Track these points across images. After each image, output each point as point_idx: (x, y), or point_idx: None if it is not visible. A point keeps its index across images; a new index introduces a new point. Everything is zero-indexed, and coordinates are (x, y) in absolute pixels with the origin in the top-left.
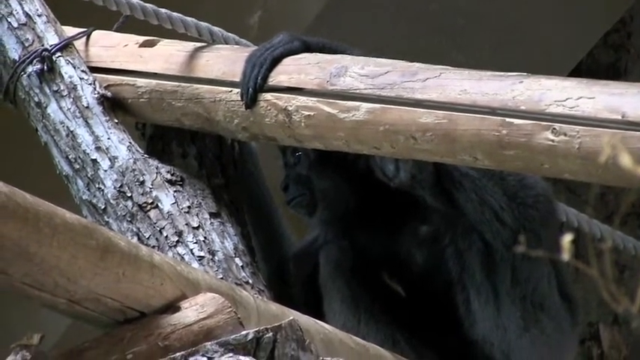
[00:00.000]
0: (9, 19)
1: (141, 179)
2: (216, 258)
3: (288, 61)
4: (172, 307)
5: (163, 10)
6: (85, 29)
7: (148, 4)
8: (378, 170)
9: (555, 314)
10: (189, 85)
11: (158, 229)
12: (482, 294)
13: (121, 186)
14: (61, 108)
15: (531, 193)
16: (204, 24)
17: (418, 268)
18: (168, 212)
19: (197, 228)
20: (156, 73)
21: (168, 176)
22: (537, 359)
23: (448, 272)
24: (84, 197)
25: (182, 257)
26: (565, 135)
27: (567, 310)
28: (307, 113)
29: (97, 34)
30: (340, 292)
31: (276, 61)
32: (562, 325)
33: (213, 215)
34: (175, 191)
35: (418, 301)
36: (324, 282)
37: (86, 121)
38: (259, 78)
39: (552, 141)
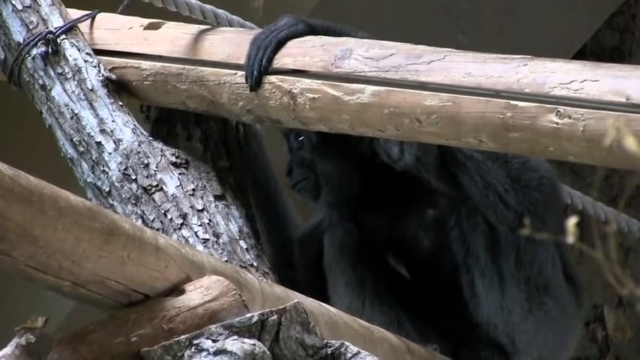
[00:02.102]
0: (13, 2)
1: (145, 162)
2: (220, 240)
3: (292, 44)
4: (177, 289)
5: None
6: (89, 12)
7: None
8: (383, 153)
9: (559, 297)
10: (193, 67)
11: (163, 211)
12: (486, 276)
13: (125, 168)
14: (65, 90)
15: (535, 175)
16: (208, 6)
17: (424, 250)
18: (172, 195)
19: (202, 210)
20: (160, 56)
21: (173, 159)
22: (541, 341)
23: (453, 255)
24: (88, 180)
25: (187, 240)
26: (569, 118)
27: (571, 293)
28: (312, 96)
29: (102, 17)
30: (345, 275)
31: (280, 44)
32: (566, 307)
33: (217, 198)
34: (180, 174)
35: (423, 283)
36: (328, 265)
37: (91, 104)
38: (264, 60)
39: (557, 124)
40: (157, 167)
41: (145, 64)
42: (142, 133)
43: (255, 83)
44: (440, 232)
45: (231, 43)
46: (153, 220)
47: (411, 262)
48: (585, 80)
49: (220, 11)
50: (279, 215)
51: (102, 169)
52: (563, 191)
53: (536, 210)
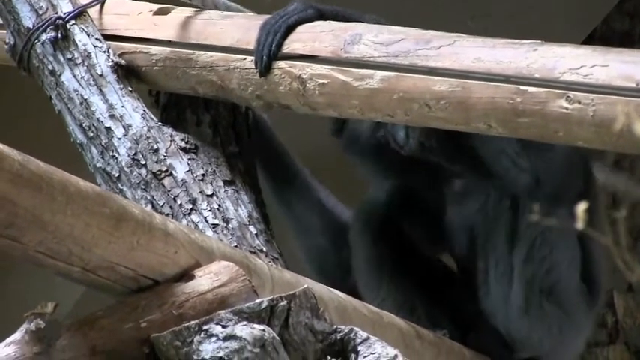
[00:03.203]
0: None
1: (155, 147)
2: (230, 226)
3: (302, 29)
4: (186, 275)
5: None
6: None
7: None
8: (390, 138)
9: (564, 301)
10: (203, 52)
11: (172, 197)
12: (499, 267)
13: (135, 154)
14: (75, 76)
15: None
16: None
17: (451, 230)
18: (182, 180)
19: (211, 196)
20: (170, 41)
21: (183, 144)
22: (536, 342)
23: (473, 241)
24: (98, 165)
25: (196, 225)
26: (579, 103)
27: (584, 294)
28: (321, 81)
29: (111, 2)
30: (366, 251)
31: (290, 29)
32: (570, 313)
33: (227, 183)
34: (189, 159)
35: (442, 265)
36: (353, 238)
37: (100, 89)
38: (273, 46)
39: (566, 109)
40: (166, 152)
41: (155, 49)
42: (151, 118)
43: (265, 68)
44: (466, 211)
45: (240, 28)
46: (162, 206)
47: (433, 244)
48: (595, 65)
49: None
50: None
51: (111, 154)
52: (587, 159)
53: (550, 170)
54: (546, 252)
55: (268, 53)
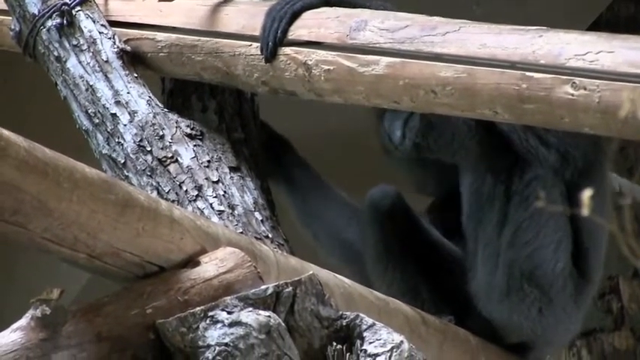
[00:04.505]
0: None
1: (160, 133)
2: (235, 212)
3: (307, 15)
4: (192, 261)
5: None
6: None
7: None
8: (386, 137)
9: (548, 286)
10: (208, 39)
11: (178, 183)
12: (487, 249)
13: (140, 140)
14: (80, 62)
15: None
16: None
17: (456, 212)
18: (187, 166)
19: (217, 182)
20: (175, 27)
21: (188, 130)
22: (516, 326)
23: (470, 220)
24: (103, 151)
25: (202, 211)
26: (585, 89)
27: (574, 279)
28: (327, 67)
29: None
30: (374, 236)
31: (296, 15)
32: (554, 297)
33: (232, 169)
34: (195, 145)
35: (448, 248)
36: (363, 223)
37: (106, 76)
38: (279, 32)
39: (572, 95)
40: (172, 139)
41: (160, 35)
42: (157, 104)
43: (270, 54)
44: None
45: (246, 14)
46: (168, 192)
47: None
48: (600, 52)
49: None
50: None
51: (117, 140)
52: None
53: (578, 146)
54: (531, 236)
55: (274, 39)
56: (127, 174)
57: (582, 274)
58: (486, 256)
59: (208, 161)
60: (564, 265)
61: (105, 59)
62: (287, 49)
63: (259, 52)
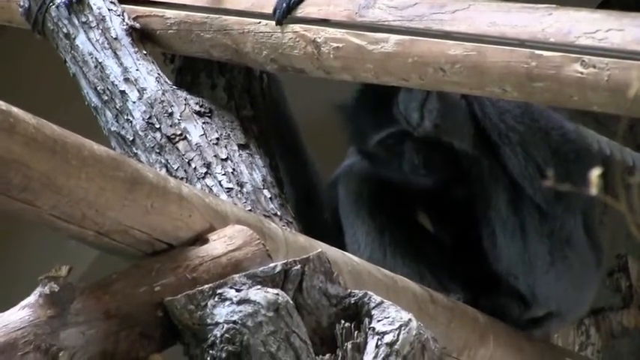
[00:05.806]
0: None
1: (169, 111)
2: (244, 190)
3: None
4: (200, 239)
5: None
6: None
7: None
8: (402, 119)
9: (580, 250)
10: (217, 16)
11: (186, 160)
12: (508, 229)
13: (149, 117)
14: (89, 39)
15: (574, 147)
16: None
17: (447, 201)
18: (196, 144)
19: (225, 159)
20: (185, 5)
21: (197, 108)
22: (561, 294)
23: (475, 207)
24: (112, 129)
25: (210, 189)
26: (594, 67)
27: (591, 248)
28: (336, 45)
29: None
30: (365, 225)
31: None
32: (586, 261)
33: (241, 147)
34: (204, 123)
35: (445, 234)
36: (345, 214)
37: (115, 53)
38: None
39: (581, 73)
40: (180, 116)
41: (169, 12)
42: (165, 81)
43: (282, 16)
44: (464, 185)
45: None
46: (177, 169)
47: (435, 213)
48: (610, 30)
49: None
50: (301, 161)
51: (126, 117)
52: (598, 157)
53: (574, 182)
54: (556, 209)
55: (289, 2)
56: (135, 151)
57: (595, 245)
58: (509, 235)
59: (217, 139)
60: (584, 236)
61: (114, 36)
62: (296, 27)
63: (271, 14)
